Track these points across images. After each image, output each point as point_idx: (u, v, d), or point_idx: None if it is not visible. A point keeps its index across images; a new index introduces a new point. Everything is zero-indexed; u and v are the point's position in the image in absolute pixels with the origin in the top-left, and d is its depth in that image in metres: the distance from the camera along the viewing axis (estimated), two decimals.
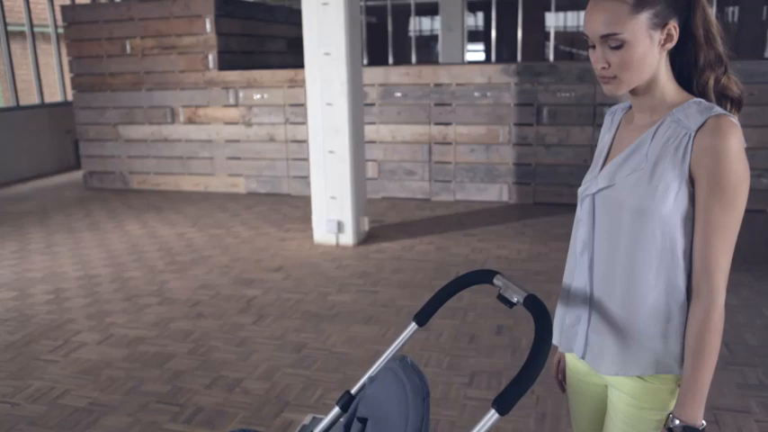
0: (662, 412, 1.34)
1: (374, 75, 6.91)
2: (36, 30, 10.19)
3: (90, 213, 6.88)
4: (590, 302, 1.43)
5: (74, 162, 9.57)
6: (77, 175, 8.90)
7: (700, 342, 1.25)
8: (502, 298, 1.47)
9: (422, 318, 1.66)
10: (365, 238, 5.59)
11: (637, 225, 1.31)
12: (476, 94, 6.67)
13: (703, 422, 1.27)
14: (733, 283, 4.34)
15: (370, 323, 3.88)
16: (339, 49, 5.10)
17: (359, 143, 5.39)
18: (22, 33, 11.11)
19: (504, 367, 3.28)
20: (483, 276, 1.58)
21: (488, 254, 5.14)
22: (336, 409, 1.65)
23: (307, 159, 7.19)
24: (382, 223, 6.12)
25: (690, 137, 1.25)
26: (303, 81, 6.90)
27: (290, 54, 8.95)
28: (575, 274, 1.49)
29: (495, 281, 1.52)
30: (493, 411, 1.24)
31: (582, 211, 1.46)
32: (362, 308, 4.12)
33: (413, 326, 1.65)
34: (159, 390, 3.15)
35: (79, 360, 3.49)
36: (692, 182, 1.26)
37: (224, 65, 7.44)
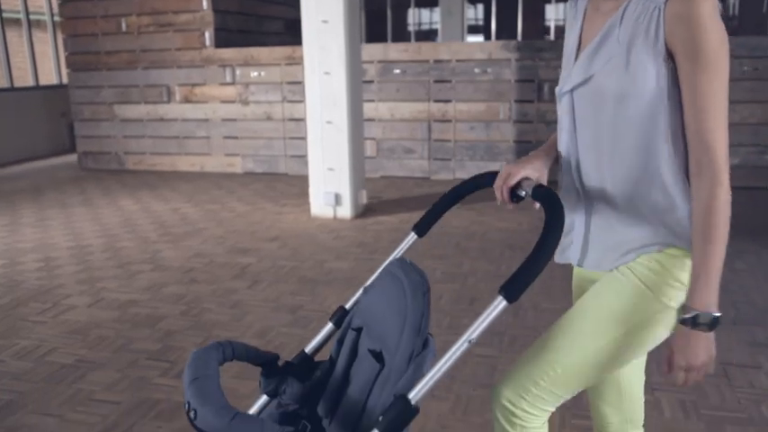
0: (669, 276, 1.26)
1: (373, 51, 6.81)
2: (32, 17, 10.10)
3: (84, 191, 6.78)
4: (583, 200, 1.35)
5: (68, 145, 9.45)
6: (72, 157, 8.79)
7: (707, 221, 1.16)
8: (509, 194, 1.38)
9: (422, 228, 1.57)
10: (363, 212, 5.49)
11: (621, 112, 1.23)
12: (476, 70, 6.57)
13: (718, 312, 1.19)
14: (739, 250, 4.28)
15: None
16: (337, 16, 5.00)
17: (357, 114, 5.29)
18: (17, 21, 11.00)
19: (506, 327, 3.18)
20: (486, 179, 1.49)
21: (489, 226, 5.04)
22: (329, 326, 1.55)
23: (304, 138, 7.08)
24: (380, 199, 6.02)
25: (659, 10, 1.16)
26: (301, 58, 6.78)
27: (289, 35, 8.84)
28: (562, 179, 1.41)
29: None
30: (500, 298, 1.16)
31: (561, 110, 1.37)
32: (360, 273, 4.02)
33: (411, 236, 1.56)
34: (149, 348, 3.05)
35: (68, 321, 3.38)
36: (670, 57, 1.17)
37: (221, 42, 7.33)
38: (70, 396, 2.62)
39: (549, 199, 1.22)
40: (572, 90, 1.32)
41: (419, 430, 2.32)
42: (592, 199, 1.34)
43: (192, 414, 1.14)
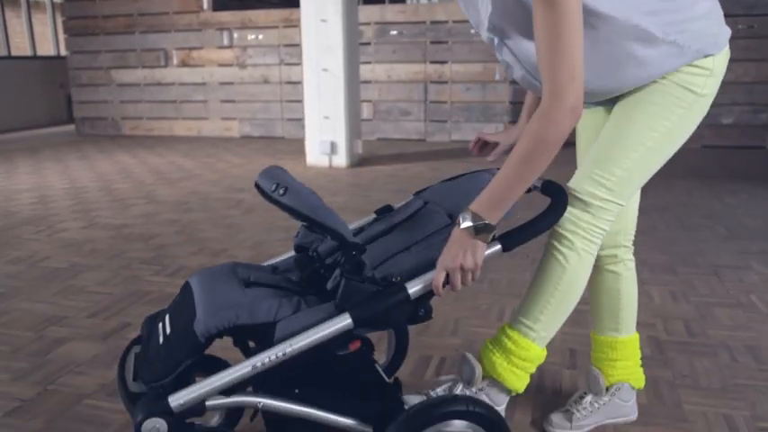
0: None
1: (370, 13, 6.82)
2: None
3: (80, 149, 6.78)
4: None
5: (66, 117, 9.44)
6: (70, 127, 8.78)
7: (532, 150, 1.15)
8: None
9: None
10: (358, 162, 5.50)
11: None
12: (472, 31, 6.59)
13: (492, 222, 1.18)
14: (733, 191, 4.32)
15: (363, 214, 3.78)
16: None
17: (353, 61, 5.30)
18: (16, 1, 10.99)
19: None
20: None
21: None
22: (372, 216, 1.55)
23: (301, 101, 7.11)
24: (376, 154, 6.03)
25: None
26: (298, 20, 6.82)
27: (285, 3, 8.84)
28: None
29: None
30: (497, 243, 1.21)
31: (503, 56, 1.36)
32: (355, 204, 4.04)
33: None
34: (143, 256, 3.06)
35: (62, 238, 3.39)
36: None
37: (218, 5, 7.34)
38: (63, 289, 2.63)
39: (557, 193, 1.31)
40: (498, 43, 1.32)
41: None
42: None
43: (281, 191, 1.17)
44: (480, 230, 1.16)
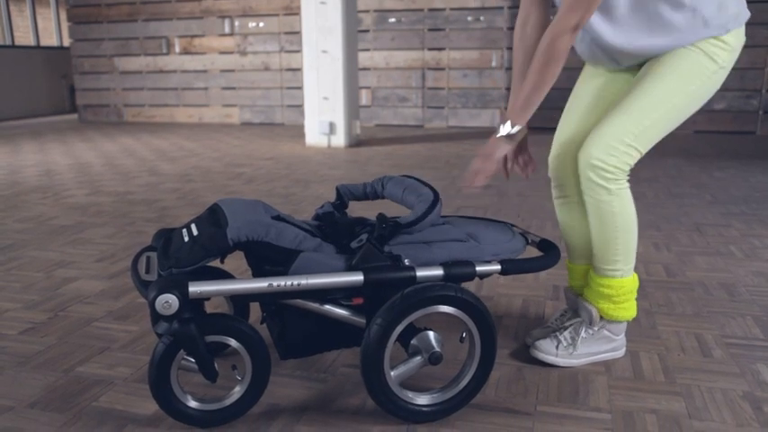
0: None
1: (368, 0, 6.94)
2: None
3: (83, 134, 6.89)
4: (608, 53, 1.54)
5: (68, 107, 9.56)
6: (72, 117, 8.90)
7: (547, 57, 1.37)
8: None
9: None
10: (357, 142, 5.61)
11: None
12: (469, 18, 6.71)
13: (518, 128, 1.44)
14: (722, 167, 4.43)
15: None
16: None
17: (352, 44, 5.42)
18: None
19: (491, 204, 3.30)
20: None
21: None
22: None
23: (301, 88, 7.22)
24: (374, 137, 6.14)
25: None
26: (298, 8, 6.94)
27: None
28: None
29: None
30: (498, 264, 1.37)
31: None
32: (352, 176, 4.14)
33: None
34: (147, 216, 3.17)
35: (68, 203, 3.50)
36: None
37: None
38: (70, 241, 2.73)
39: (550, 246, 1.51)
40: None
41: None
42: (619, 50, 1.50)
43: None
44: (511, 135, 1.44)
